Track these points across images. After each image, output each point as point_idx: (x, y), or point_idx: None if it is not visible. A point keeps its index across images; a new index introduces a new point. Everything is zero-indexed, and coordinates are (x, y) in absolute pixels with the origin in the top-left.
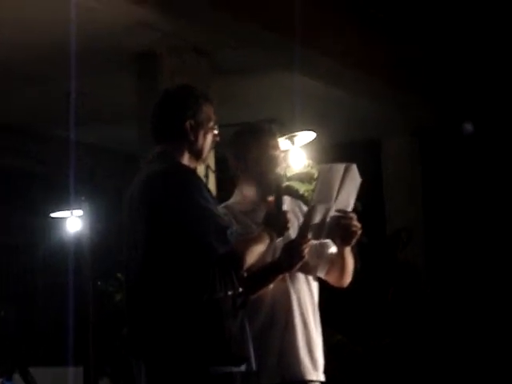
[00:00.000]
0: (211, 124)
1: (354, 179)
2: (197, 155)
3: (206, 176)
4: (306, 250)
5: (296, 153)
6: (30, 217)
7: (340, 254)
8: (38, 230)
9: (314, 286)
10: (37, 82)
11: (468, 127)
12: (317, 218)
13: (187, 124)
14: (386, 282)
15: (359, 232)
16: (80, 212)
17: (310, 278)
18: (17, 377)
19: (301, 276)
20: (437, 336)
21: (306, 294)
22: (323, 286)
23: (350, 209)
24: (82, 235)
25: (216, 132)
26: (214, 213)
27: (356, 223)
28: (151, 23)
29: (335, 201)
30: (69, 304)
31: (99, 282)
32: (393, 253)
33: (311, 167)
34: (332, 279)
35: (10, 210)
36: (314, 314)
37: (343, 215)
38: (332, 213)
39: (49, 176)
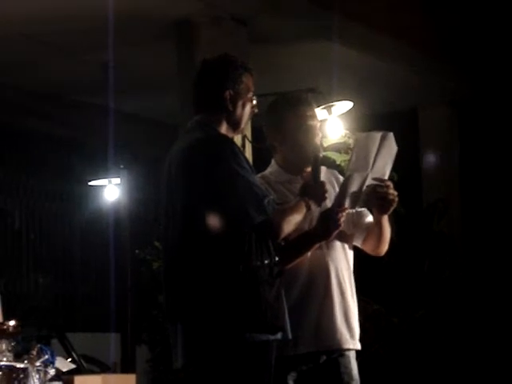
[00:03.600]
0: (250, 94)
1: (391, 148)
2: (235, 125)
3: (243, 146)
4: (343, 219)
5: (333, 123)
6: (68, 185)
7: (377, 223)
8: (77, 198)
9: (350, 254)
10: (76, 52)
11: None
12: (353, 187)
13: (226, 94)
14: (422, 253)
15: (396, 200)
16: (118, 180)
17: (347, 246)
18: (55, 342)
19: (338, 245)
20: (473, 307)
21: (342, 263)
22: (360, 255)
23: (386, 177)
24: (120, 203)
25: (254, 102)
26: (251, 182)
27: (393, 191)
28: None
29: (372, 169)
30: (107, 272)
31: (137, 251)
32: (429, 223)
33: (348, 137)
34: (369, 248)
35: (49, 178)
36: (350, 283)
37: (380, 183)
38: (368, 181)
39: (87, 144)
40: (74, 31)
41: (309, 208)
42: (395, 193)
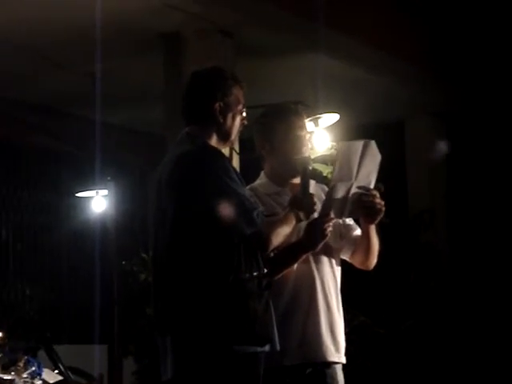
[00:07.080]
0: (240, 106)
1: (374, 156)
2: (225, 137)
3: (230, 157)
4: (329, 229)
5: (320, 135)
6: (55, 196)
7: (365, 234)
8: (64, 210)
9: (337, 269)
10: (64, 63)
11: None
12: (338, 196)
13: (216, 106)
14: (408, 264)
15: (383, 209)
16: (105, 192)
17: (334, 261)
18: (42, 354)
19: (325, 259)
20: (458, 317)
21: (329, 277)
22: (346, 268)
23: (371, 186)
24: (107, 215)
25: (244, 114)
26: (240, 194)
27: (379, 200)
28: (177, 4)
29: (356, 178)
30: (94, 283)
31: (124, 262)
32: (415, 235)
33: (335, 149)
34: (357, 261)
35: (36, 190)
36: (336, 297)
37: (365, 192)
38: (353, 190)
39: (75, 156)
40: (62, 43)
41: (298, 220)
42: (382, 202)
